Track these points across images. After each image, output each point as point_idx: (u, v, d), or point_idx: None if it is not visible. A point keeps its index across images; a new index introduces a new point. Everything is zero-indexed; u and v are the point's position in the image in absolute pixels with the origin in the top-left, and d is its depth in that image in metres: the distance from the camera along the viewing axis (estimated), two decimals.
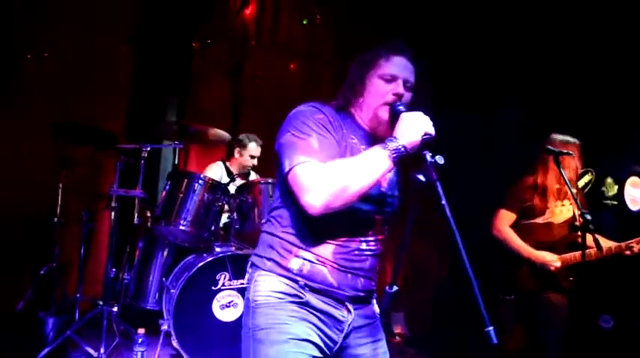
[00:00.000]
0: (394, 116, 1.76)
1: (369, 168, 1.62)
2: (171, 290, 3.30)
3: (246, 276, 1.82)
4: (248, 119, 5.39)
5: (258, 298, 1.70)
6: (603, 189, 5.61)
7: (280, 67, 5.74)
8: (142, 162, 3.53)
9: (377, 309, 1.89)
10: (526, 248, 3.47)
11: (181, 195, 3.57)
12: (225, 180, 4.20)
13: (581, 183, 5.36)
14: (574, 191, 3.13)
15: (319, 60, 5.87)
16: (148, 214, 4.08)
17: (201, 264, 3.30)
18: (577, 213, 3.58)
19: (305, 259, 1.70)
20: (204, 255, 3.43)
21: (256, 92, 5.51)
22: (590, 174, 5.40)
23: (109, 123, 4.62)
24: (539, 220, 3.55)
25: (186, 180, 3.62)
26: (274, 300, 1.68)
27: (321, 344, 1.71)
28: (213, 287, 3.31)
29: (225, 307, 3.32)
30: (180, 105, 5.10)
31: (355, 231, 1.75)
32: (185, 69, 5.15)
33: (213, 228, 3.60)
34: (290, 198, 1.70)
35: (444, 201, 1.53)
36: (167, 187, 3.63)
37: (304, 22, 5.88)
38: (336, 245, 1.72)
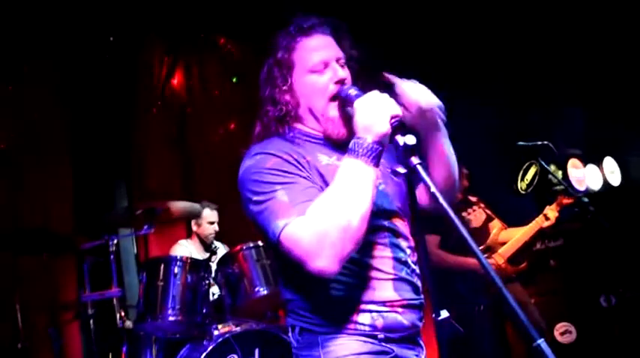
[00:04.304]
0: (346, 104, 1.51)
1: (357, 189, 1.35)
2: None
3: (292, 340, 1.55)
4: (201, 187, 5.16)
5: None
6: (550, 176, 5.80)
7: (221, 128, 5.58)
8: (112, 256, 3.21)
9: None
10: (466, 260, 3.67)
11: (162, 284, 3.25)
12: (197, 257, 3.92)
13: (529, 176, 5.55)
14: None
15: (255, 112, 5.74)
16: (122, 314, 3.72)
17: (204, 355, 2.99)
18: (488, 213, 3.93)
19: (372, 311, 1.47)
20: (204, 342, 3.12)
21: (204, 159, 5.32)
22: (535, 165, 5.57)
23: (57, 225, 4.27)
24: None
25: (162, 266, 3.31)
26: None
27: None
28: None
29: None
30: (128, 188, 4.80)
31: (391, 248, 1.52)
32: (125, 151, 4.88)
33: (204, 310, 3.30)
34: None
35: (432, 189, 1.29)
36: (143, 279, 3.32)
37: (234, 80, 5.79)
38: (393, 279, 1.50)
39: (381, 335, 1.47)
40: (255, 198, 1.44)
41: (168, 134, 5.21)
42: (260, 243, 3.51)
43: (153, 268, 3.33)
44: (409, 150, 1.34)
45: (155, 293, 3.23)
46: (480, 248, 3.83)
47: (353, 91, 1.50)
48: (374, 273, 1.50)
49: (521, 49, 5.04)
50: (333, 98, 1.54)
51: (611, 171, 6.12)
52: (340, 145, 1.55)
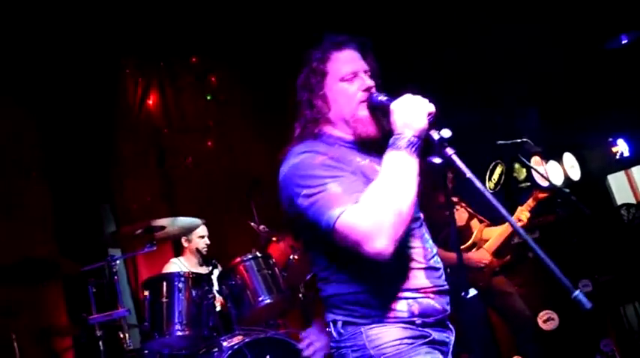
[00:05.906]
0: (375, 108, 1.67)
1: (404, 177, 1.48)
2: None
3: (334, 334, 1.63)
4: (184, 204, 5.16)
5: (387, 350, 1.55)
6: (515, 174, 6.08)
7: (199, 145, 5.60)
8: (116, 277, 3.21)
9: None
10: (452, 256, 3.78)
11: (166, 300, 3.28)
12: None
13: (495, 176, 5.80)
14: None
15: (232, 128, 5.80)
16: (121, 336, 3.70)
17: None
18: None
19: (409, 298, 1.59)
20: (215, 355, 3.15)
21: (184, 176, 5.33)
22: (500, 165, 5.84)
23: (40, 252, 4.19)
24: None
25: (165, 283, 3.34)
26: (406, 347, 1.56)
27: None
28: None
29: None
30: (113, 210, 4.76)
31: (421, 238, 1.66)
32: (106, 174, 4.84)
33: (211, 323, 3.33)
34: (346, 255, 1.53)
35: (468, 175, 1.44)
36: (148, 297, 3.32)
37: (208, 98, 5.83)
38: (425, 268, 1.63)
39: (418, 321, 1.59)
40: (305, 191, 1.52)
41: (146, 155, 5.19)
42: (258, 254, 3.59)
43: (156, 286, 3.34)
44: (444, 141, 1.48)
45: (160, 310, 3.25)
46: (467, 245, 4.01)
47: (383, 97, 1.66)
48: (409, 263, 1.62)
49: (485, 54, 5.29)
50: (363, 103, 1.70)
51: (571, 165, 6.46)
52: (369, 148, 1.71)
